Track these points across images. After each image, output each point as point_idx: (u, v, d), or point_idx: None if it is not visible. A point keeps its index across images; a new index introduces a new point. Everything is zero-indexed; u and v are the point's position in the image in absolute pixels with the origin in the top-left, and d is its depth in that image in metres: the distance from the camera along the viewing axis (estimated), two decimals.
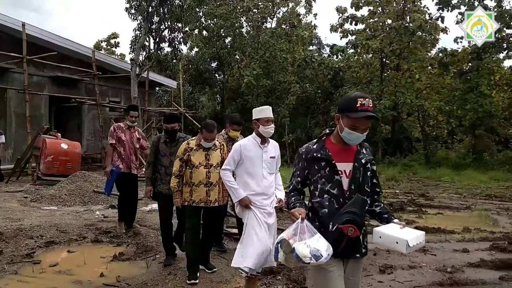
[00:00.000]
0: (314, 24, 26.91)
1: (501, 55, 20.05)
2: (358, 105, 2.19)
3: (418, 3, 19.69)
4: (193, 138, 4.32)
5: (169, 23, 16.96)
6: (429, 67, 20.99)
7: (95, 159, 16.41)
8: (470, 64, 19.56)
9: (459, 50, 20.14)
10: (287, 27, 23.08)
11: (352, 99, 2.23)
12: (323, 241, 2.08)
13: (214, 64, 28.59)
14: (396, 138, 21.76)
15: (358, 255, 2.31)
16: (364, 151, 2.37)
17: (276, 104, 22.41)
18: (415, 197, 9.91)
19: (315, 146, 2.37)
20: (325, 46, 27.92)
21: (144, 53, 16.89)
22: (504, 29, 18.70)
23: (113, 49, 33.91)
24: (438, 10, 19.00)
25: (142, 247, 5.18)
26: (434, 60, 20.55)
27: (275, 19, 24.08)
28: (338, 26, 20.58)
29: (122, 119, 17.17)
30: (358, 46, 20.71)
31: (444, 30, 19.75)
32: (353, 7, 19.76)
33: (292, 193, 2.39)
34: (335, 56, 24.28)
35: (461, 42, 19.79)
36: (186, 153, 4.13)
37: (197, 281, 3.99)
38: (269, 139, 3.89)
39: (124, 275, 4.20)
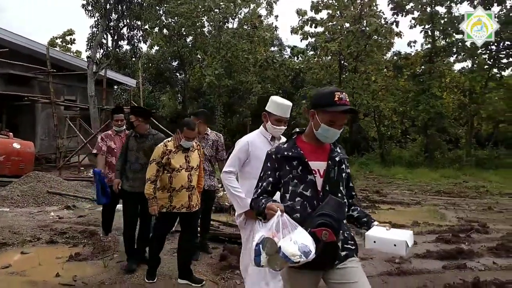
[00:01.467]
0: (275, 26, 27.29)
1: (452, 59, 21.27)
2: (336, 99, 2.05)
3: (374, 8, 20.43)
4: (169, 139, 3.97)
5: (128, 20, 16.67)
6: (385, 70, 21.87)
7: (49, 159, 15.83)
8: (422, 67, 20.58)
9: (413, 54, 21.16)
10: (249, 28, 23.29)
11: (329, 93, 2.10)
12: (306, 234, 1.85)
13: (175, 63, 28.32)
14: (354, 137, 22.46)
15: (337, 261, 2.06)
16: (338, 150, 2.23)
17: (238, 104, 22.56)
18: (370, 194, 10.34)
19: (285, 146, 2.22)
20: (286, 48, 28.42)
21: (102, 50, 16.50)
22: (454, 34, 19.83)
23: (69, 45, 32.82)
24: (393, 15, 19.89)
25: (99, 247, 5.09)
26: (389, 63, 21.46)
27: (236, 19, 24.25)
28: (298, 28, 20.98)
29: (76, 117, 16.74)
30: (317, 48, 21.25)
31: (399, 34, 20.60)
32: (313, 10, 20.27)
33: (261, 197, 2.14)
34: (295, 58, 24.77)
35: (414, 46, 20.85)
36: (165, 156, 3.80)
37: (155, 280, 3.98)
38: (280, 136, 3.35)
39: (81, 274, 4.14)
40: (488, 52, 19.59)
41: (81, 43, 34.62)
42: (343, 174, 2.19)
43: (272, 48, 27.25)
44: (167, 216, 3.90)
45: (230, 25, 24.03)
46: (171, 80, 28.20)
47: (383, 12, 20.80)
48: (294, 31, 21.11)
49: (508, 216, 7.83)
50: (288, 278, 2.13)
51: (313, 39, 21.37)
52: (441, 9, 19.88)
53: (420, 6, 19.74)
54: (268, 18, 25.12)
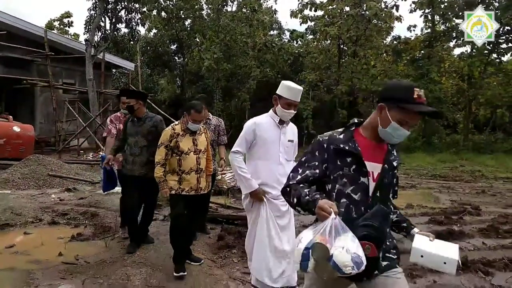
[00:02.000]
0: (275, 9, 27.11)
1: (451, 44, 21.22)
2: (416, 96, 1.81)
3: None
4: (176, 122, 3.96)
5: (126, 3, 16.57)
6: (384, 54, 21.81)
7: (48, 143, 15.93)
8: (422, 52, 20.53)
9: (412, 38, 21.09)
10: (248, 11, 23.07)
11: (408, 88, 1.83)
12: (358, 242, 1.66)
13: (173, 47, 28.16)
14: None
15: (376, 272, 1.85)
16: (395, 153, 1.96)
17: (237, 88, 22.53)
18: None
19: (341, 136, 1.92)
20: (286, 31, 28.23)
21: (100, 33, 16.49)
22: (454, 19, 19.74)
23: (66, 28, 32.52)
24: None
25: (100, 228, 5.24)
26: (389, 48, 21.38)
27: (235, 2, 23.99)
28: (297, 11, 20.80)
29: (75, 101, 16.75)
30: (317, 32, 21.12)
31: (399, 19, 20.48)
32: None
33: (301, 185, 1.86)
34: (295, 42, 24.64)
35: (414, 30, 20.85)
36: (173, 139, 3.79)
37: (185, 272, 3.74)
38: (289, 120, 3.37)
39: (83, 254, 4.27)
40: None
41: (78, 26, 34.44)
42: (394, 180, 1.98)
43: (271, 32, 27.08)
44: (177, 199, 3.85)
45: (229, 8, 23.84)
46: (169, 63, 28.09)
47: None
48: (293, 14, 20.94)
49: (500, 199, 7.99)
50: (314, 282, 1.96)
51: (312, 23, 21.23)
52: None
53: None
54: (267, 1, 24.99)
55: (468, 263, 4.08)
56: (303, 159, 1.96)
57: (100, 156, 5.27)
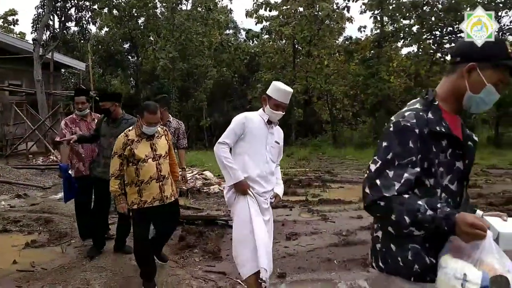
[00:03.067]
0: (230, 8, 27.11)
1: (399, 44, 22.25)
2: (510, 50, 1.49)
3: None
4: (130, 128, 3.59)
5: (75, 1, 15.99)
6: (336, 54, 22.49)
7: None
8: (372, 51, 21.38)
9: (363, 39, 21.91)
10: (203, 10, 22.98)
11: (500, 42, 1.54)
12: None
13: (126, 46, 27.46)
14: (307, 120, 23.08)
15: None
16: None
17: (194, 88, 22.40)
18: (322, 174, 10.84)
19: (430, 115, 1.50)
20: (241, 31, 28.38)
21: (48, 32, 15.78)
22: (401, 20, 20.75)
23: (11, 27, 30.80)
24: (344, 0, 20.43)
25: (55, 234, 5.10)
26: (341, 48, 22.08)
27: (190, 1, 23.83)
28: (253, 11, 21.01)
29: (23, 103, 15.97)
30: (272, 32, 21.41)
31: (350, 20, 21.22)
32: None
33: (407, 195, 1.39)
34: (250, 41, 24.85)
35: (364, 31, 21.60)
36: (127, 147, 3.41)
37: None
38: (277, 122, 3.31)
39: (39, 260, 4.16)
40: (432, 37, 20.70)
41: (24, 24, 32.53)
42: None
43: (227, 31, 27.12)
44: (140, 214, 3.49)
45: (183, 7, 23.62)
46: (122, 63, 27.38)
47: None
48: (248, 14, 21.12)
49: None
50: None
51: (267, 23, 21.51)
52: None
53: None
54: (222, 0, 24.98)
55: None
56: (389, 157, 1.44)
57: (59, 166, 4.96)
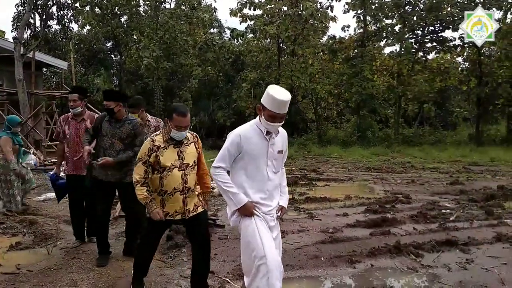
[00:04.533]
0: (214, 7, 27.00)
1: (382, 43, 22.56)
2: None
3: None
4: (157, 133, 3.29)
5: None
6: (321, 53, 22.66)
7: None
8: (355, 51, 21.63)
9: (346, 38, 22.14)
10: (187, 9, 22.82)
11: None
12: None
13: (109, 44, 27.09)
14: (293, 119, 23.21)
15: None
16: None
17: (178, 87, 22.26)
18: (308, 172, 10.94)
19: None
20: (226, 30, 28.31)
21: (29, 31, 15.47)
22: (384, 19, 21.03)
23: None
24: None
25: (40, 236, 5.02)
26: (325, 47, 22.26)
27: None
28: (237, 10, 20.99)
29: (4, 103, 15.62)
30: (256, 31, 21.43)
31: (333, 19, 21.37)
32: None
33: None
34: (235, 40, 24.80)
35: (347, 30, 21.89)
36: (152, 153, 3.13)
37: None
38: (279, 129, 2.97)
39: (24, 263, 4.10)
40: (414, 37, 21.05)
41: (4, 22, 31.65)
42: None
43: (212, 30, 27.01)
44: (159, 223, 3.22)
45: (167, 5, 23.40)
46: (105, 62, 26.98)
47: None
48: (233, 13, 21.09)
49: (428, 187, 8.73)
50: None
51: (252, 22, 21.52)
52: None
53: None
54: None
55: (401, 247, 4.48)
56: None
57: (48, 174, 5.01)
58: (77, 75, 23.15)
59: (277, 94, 2.73)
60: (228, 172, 2.91)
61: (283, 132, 3.03)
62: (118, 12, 23.60)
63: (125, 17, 24.01)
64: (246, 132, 2.86)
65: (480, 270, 3.98)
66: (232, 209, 2.86)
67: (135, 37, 24.42)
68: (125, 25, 24.15)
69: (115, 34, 24.11)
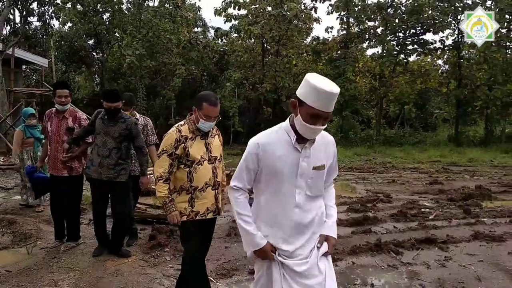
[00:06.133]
0: (198, 6, 26.88)
1: (364, 45, 22.86)
2: None
3: None
4: (181, 123, 2.97)
5: None
6: (305, 54, 22.82)
7: None
8: (338, 52, 21.85)
9: (330, 39, 22.35)
10: (171, 7, 22.67)
11: None
12: None
13: (91, 42, 26.66)
14: (277, 119, 23.28)
15: None
16: None
17: (162, 86, 22.10)
18: None
19: None
20: (210, 29, 28.21)
21: (9, 27, 15.12)
22: (366, 21, 21.30)
23: None
24: (311, 1, 20.73)
25: (19, 235, 4.94)
26: (309, 48, 22.42)
27: None
28: (221, 10, 20.95)
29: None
30: (241, 31, 21.42)
31: (317, 20, 21.55)
32: None
33: None
34: (219, 40, 24.73)
35: (331, 31, 22.06)
36: (180, 144, 2.82)
37: None
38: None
39: (3, 263, 4.03)
40: (396, 39, 21.40)
41: None
42: None
43: (196, 29, 26.88)
44: (190, 226, 2.89)
45: (150, 3, 23.20)
46: (87, 59, 26.53)
47: None
48: (217, 12, 21.03)
49: (408, 187, 8.90)
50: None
51: (236, 22, 21.49)
52: None
53: None
54: None
55: (382, 244, 4.57)
56: None
57: (26, 167, 5.03)
58: (57, 73, 22.74)
59: (324, 84, 1.90)
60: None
61: (327, 139, 2.16)
62: (101, 9, 23.24)
63: (108, 14, 23.65)
64: (268, 139, 2.06)
65: (458, 267, 4.09)
66: (246, 250, 2.15)
67: (117, 34, 24.07)
68: (107, 23, 23.80)
69: (97, 32, 23.74)
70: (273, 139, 2.07)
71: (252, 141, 2.11)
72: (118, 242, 4.28)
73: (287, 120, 2.09)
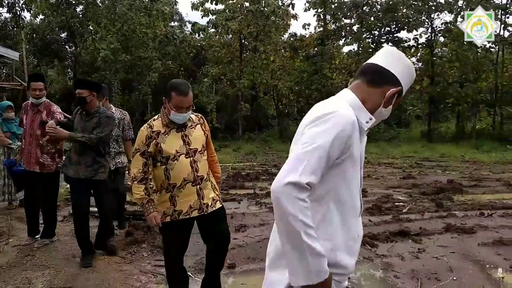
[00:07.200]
0: (175, 0, 26.49)
1: (341, 42, 23.11)
2: None
3: None
4: (155, 117, 2.81)
5: None
6: (282, 50, 22.90)
7: None
8: (315, 49, 22.03)
9: (307, 36, 22.50)
10: (147, 0, 22.29)
11: None
12: None
13: (63, 35, 25.96)
14: (254, 115, 23.32)
15: None
16: None
17: (137, 81, 21.75)
18: (269, 168, 11.06)
19: None
20: (187, 23, 27.90)
21: None
22: (343, 19, 21.54)
23: None
24: None
25: None
26: (286, 44, 22.52)
27: None
28: (199, 4, 20.75)
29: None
30: (218, 26, 21.30)
31: (295, 17, 21.64)
32: None
33: None
34: (197, 34, 24.52)
35: (308, 28, 22.19)
36: (151, 141, 2.66)
37: None
38: None
39: None
40: (371, 37, 21.73)
41: None
42: None
43: (172, 23, 26.53)
44: (174, 228, 2.74)
45: None
46: (59, 53, 25.81)
47: None
48: (194, 7, 20.82)
49: (383, 181, 9.09)
50: None
51: (214, 17, 21.35)
52: None
53: None
54: None
55: None
56: None
57: (3, 161, 4.92)
58: (29, 67, 22.07)
59: (406, 58, 1.58)
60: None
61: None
62: (74, 2, 22.70)
63: (81, 6, 23.12)
64: (352, 117, 1.43)
65: (431, 258, 4.22)
66: (293, 283, 1.38)
67: (91, 28, 23.54)
68: (80, 15, 23.26)
69: (70, 25, 23.17)
70: (355, 121, 1.43)
71: (343, 114, 1.40)
72: (104, 238, 4.19)
73: (354, 98, 1.51)
